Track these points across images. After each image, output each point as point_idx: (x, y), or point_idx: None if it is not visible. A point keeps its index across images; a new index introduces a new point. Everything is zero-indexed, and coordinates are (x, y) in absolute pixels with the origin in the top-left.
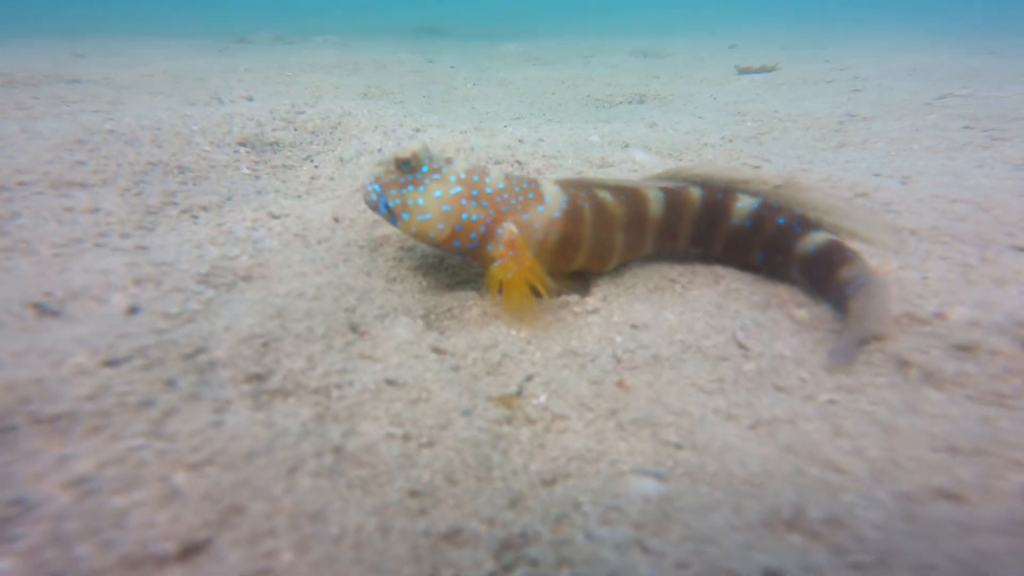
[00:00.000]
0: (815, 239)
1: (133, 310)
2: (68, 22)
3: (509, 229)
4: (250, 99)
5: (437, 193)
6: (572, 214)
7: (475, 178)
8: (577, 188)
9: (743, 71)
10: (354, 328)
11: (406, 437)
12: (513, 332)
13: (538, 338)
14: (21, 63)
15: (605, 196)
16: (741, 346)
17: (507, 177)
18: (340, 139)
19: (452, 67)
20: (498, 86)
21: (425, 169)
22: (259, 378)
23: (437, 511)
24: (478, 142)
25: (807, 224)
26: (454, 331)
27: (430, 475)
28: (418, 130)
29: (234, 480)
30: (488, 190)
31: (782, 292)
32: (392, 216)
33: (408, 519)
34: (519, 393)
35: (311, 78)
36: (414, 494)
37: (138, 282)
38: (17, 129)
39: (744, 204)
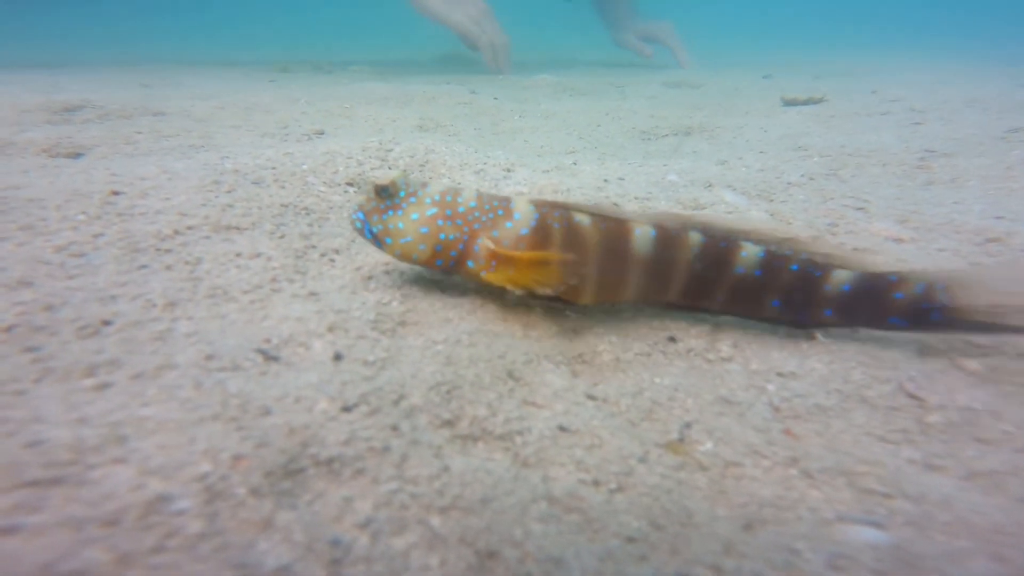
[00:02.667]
0: (843, 277)
1: (338, 357)
2: (109, 50)
3: (484, 244)
4: (321, 133)
5: (415, 216)
6: (540, 231)
7: (448, 198)
8: (552, 208)
9: (789, 103)
10: (511, 375)
11: (596, 483)
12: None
13: (684, 386)
14: (103, 94)
15: (581, 220)
16: (913, 397)
17: (479, 196)
18: (431, 177)
19: (495, 99)
20: (543, 118)
21: (402, 194)
22: (450, 424)
23: (657, 557)
24: (567, 183)
25: (822, 266)
26: (591, 376)
27: (637, 521)
28: (509, 170)
29: (480, 525)
30: (461, 209)
31: (931, 340)
32: (377, 241)
33: (635, 565)
34: (682, 439)
35: (368, 111)
36: (631, 540)
37: (331, 329)
38: (156, 170)
39: (750, 252)
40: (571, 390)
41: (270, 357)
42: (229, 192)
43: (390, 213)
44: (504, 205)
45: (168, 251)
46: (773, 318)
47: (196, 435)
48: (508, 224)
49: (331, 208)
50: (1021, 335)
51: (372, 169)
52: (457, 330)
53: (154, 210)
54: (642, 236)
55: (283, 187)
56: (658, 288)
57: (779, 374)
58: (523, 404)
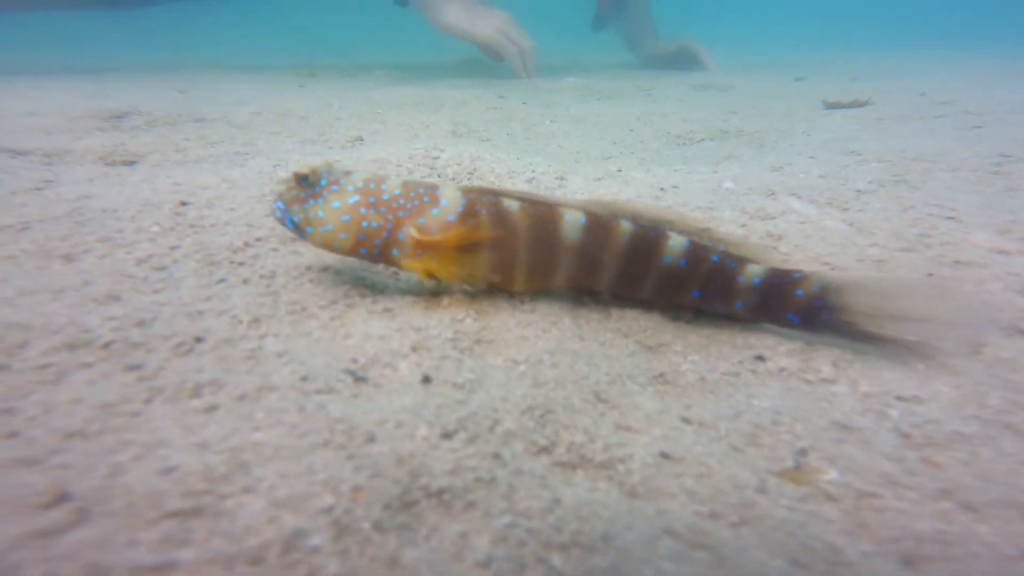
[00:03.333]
0: (755, 271)
1: (426, 379)
2: (138, 55)
3: (409, 232)
4: (360, 139)
5: (336, 204)
6: (468, 217)
7: (372, 186)
8: (480, 194)
9: (831, 106)
10: (599, 397)
11: (714, 515)
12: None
13: (787, 409)
14: (147, 100)
15: (511, 206)
16: None
17: (405, 184)
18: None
19: (524, 103)
20: (574, 123)
21: (324, 183)
22: (547, 450)
23: None
24: (624, 191)
25: (737, 258)
26: (680, 397)
27: (775, 559)
28: (562, 179)
29: (605, 564)
30: (385, 196)
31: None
32: (299, 231)
33: None
34: (799, 467)
35: (400, 116)
36: None
37: (414, 349)
38: (216, 179)
39: (676, 242)
40: (664, 412)
41: (359, 378)
42: None
43: (311, 202)
44: (431, 192)
45: (242, 264)
46: (690, 307)
47: (312, 464)
48: (434, 211)
49: None
50: (886, 343)
51: (423, 177)
52: (536, 349)
53: (222, 221)
54: (572, 222)
55: None
56: (589, 275)
57: (899, 398)
58: (618, 429)
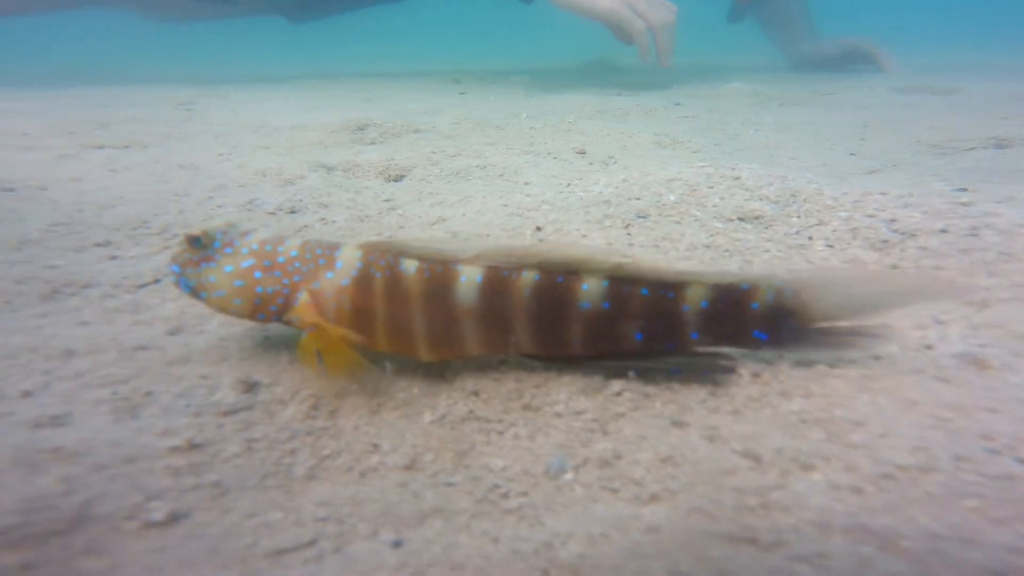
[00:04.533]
0: (698, 293)
1: None
2: (307, 64)
3: (303, 299)
4: (583, 152)
5: (228, 268)
6: (362, 282)
7: (268, 248)
8: (380, 254)
9: None
10: None
11: None
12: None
13: None
14: (374, 112)
15: (407, 267)
16: None
17: (304, 244)
18: (808, 213)
19: (709, 111)
20: (780, 131)
21: (217, 244)
22: None
23: None
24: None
25: (672, 285)
26: None
27: None
28: (906, 203)
29: None
30: (281, 259)
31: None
32: (195, 295)
33: None
34: None
35: (594, 126)
36: None
37: None
38: (534, 199)
39: (592, 284)
40: None
41: None
42: (635, 227)
43: (203, 265)
44: (328, 253)
45: None
46: (641, 353)
47: None
48: (329, 274)
49: (746, 248)
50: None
51: (746, 201)
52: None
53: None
54: (467, 284)
55: (678, 222)
56: (498, 339)
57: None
58: None
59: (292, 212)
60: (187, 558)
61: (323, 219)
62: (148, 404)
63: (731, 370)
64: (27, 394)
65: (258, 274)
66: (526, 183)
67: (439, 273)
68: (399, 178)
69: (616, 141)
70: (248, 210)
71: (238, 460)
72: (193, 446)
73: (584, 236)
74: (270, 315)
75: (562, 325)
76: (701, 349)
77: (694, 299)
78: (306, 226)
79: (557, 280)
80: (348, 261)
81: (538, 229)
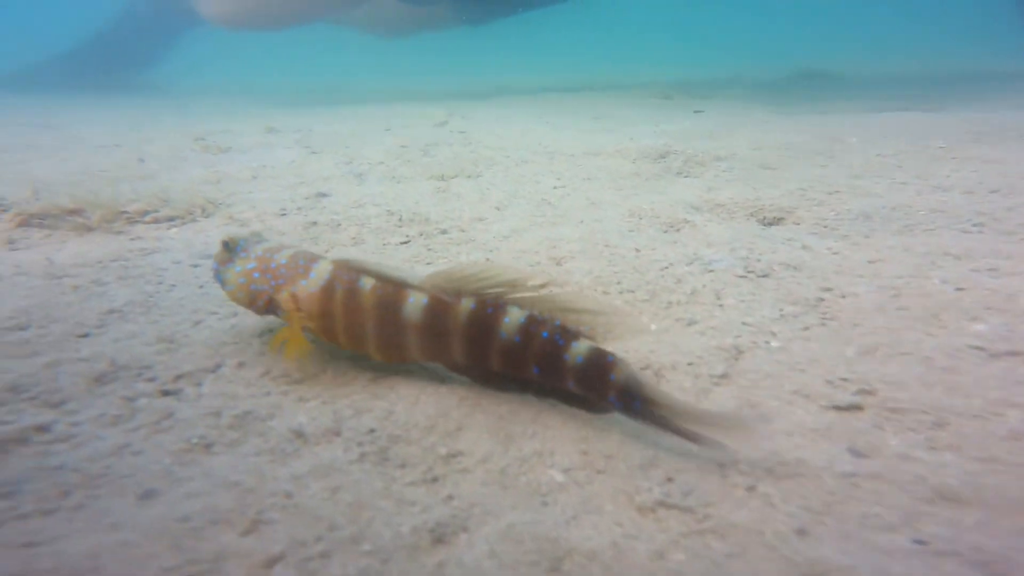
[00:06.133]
0: (580, 349)
1: None
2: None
3: (285, 297)
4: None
5: (237, 268)
6: (326, 291)
7: (267, 255)
8: (345, 270)
9: None
10: None
11: None
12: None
13: None
14: (674, 138)
15: (364, 283)
16: None
17: (294, 255)
18: None
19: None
20: None
21: (238, 250)
22: None
23: None
24: None
25: (568, 334)
26: None
27: None
28: None
29: None
30: (273, 264)
31: None
32: (222, 287)
33: None
34: None
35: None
36: None
37: None
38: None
39: (512, 318)
40: None
41: None
42: None
43: (228, 265)
44: (308, 264)
45: None
46: (537, 382)
47: None
48: (303, 282)
49: None
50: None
51: None
52: None
53: None
54: (414, 305)
55: None
56: (439, 351)
57: None
58: None
59: (763, 276)
60: None
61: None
62: None
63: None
64: None
65: (256, 275)
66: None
67: (390, 293)
68: (776, 222)
69: (877, 168)
70: (708, 271)
71: None
72: None
73: None
74: (260, 308)
75: (486, 349)
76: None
77: (575, 352)
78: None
79: (487, 310)
80: (320, 272)
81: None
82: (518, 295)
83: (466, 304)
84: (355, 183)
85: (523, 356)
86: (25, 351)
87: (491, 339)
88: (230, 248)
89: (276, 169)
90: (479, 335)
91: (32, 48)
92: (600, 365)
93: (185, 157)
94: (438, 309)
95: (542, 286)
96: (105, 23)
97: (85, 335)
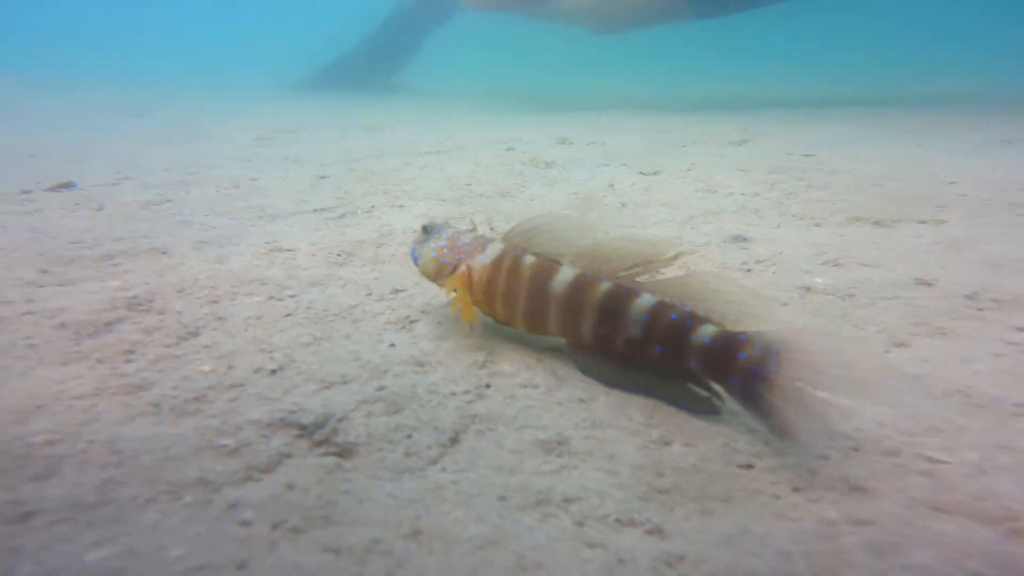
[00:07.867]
0: (707, 330)
1: None
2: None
3: (460, 268)
4: None
5: (432, 245)
6: (495, 265)
7: (455, 237)
8: (514, 248)
9: None
10: None
11: None
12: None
13: None
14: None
15: (527, 258)
16: None
17: (476, 237)
18: None
19: None
20: None
21: (433, 233)
22: None
23: None
24: None
25: (696, 318)
26: None
27: None
28: None
29: None
30: (459, 244)
31: None
32: (416, 263)
33: None
34: None
35: None
36: None
37: None
38: None
39: (643, 300)
40: None
41: None
42: None
43: (423, 244)
44: (485, 244)
45: None
46: (657, 362)
47: None
48: (480, 256)
49: None
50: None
51: None
52: None
53: None
54: (561, 278)
55: None
56: (572, 326)
57: None
58: None
59: None
60: None
61: None
62: None
63: None
64: None
65: (447, 251)
66: None
67: (545, 267)
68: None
69: None
70: None
71: None
72: None
73: None
74: (443, 280)
75: (615, 326)
76: None
77: (702, 333)
78: None
79: (621, 291)
80: (492, 249)
81: None
82: (659, 279)
83: (605, 285)
84: (755, 220)
85: (649, 336)
86: None
87: (620, 316)
88: (427, 230)
89: (629, 193)
90: (610, 312)
91: (310, 57)
92: (730, 343)
93: (520, 171)
94: (580, 285)
95: (675, 257)
96: (369, 31)
97: None
